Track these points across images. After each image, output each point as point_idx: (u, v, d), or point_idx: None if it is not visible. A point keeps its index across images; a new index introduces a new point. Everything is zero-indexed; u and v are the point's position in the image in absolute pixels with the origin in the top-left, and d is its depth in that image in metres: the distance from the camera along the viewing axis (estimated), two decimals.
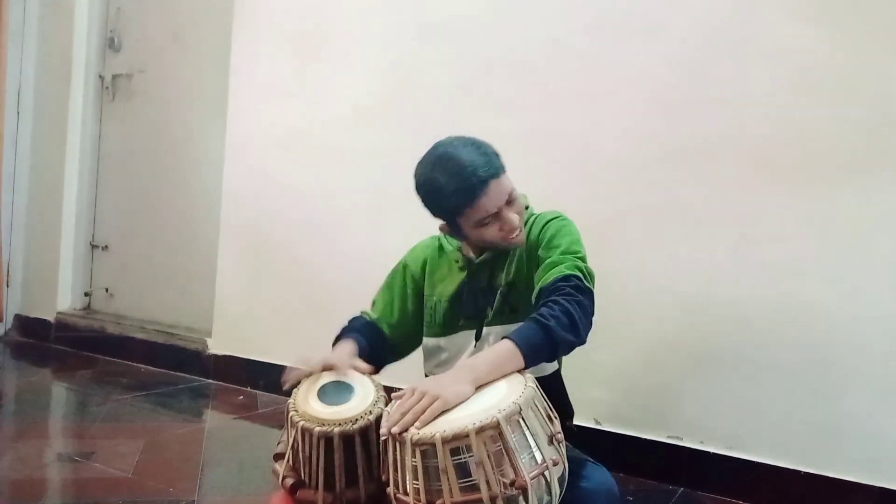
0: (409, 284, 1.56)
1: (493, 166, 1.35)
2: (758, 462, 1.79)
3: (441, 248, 1.56)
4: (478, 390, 1.18)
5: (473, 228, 1.38)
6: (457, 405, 1.15)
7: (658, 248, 1.94)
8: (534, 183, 1.62)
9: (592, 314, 1.32)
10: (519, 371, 1.22)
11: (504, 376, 1.20)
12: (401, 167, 2.35)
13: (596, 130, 2.03)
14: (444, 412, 1.14)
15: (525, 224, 1.45)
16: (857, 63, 1.71)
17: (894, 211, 1.67)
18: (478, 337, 1.46)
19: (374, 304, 1.58)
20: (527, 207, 1.49)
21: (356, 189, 2.49)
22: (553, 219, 1.45)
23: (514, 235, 1.39)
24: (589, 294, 1.32)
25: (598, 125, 2.02)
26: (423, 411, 1.12)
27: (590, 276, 1.35)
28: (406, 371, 1.57)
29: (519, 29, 2.16)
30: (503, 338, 1.25)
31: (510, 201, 1.37)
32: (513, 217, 1.37)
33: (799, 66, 1.77)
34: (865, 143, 1.70)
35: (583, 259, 1.37)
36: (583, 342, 1.30)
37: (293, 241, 2.63)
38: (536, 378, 1.23)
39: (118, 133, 3.39)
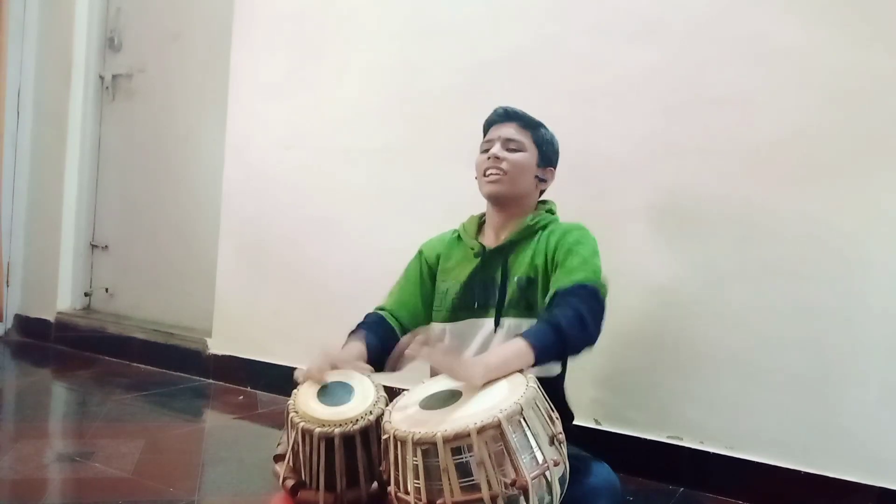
0: (423, 269, 1.62)
1: (519, 114, 1.59)
2: (758, 462, 1.79)
3: (459, 238, 1.62)
4: (484, 387, 1.19)
5: (479, 155, 1.58)
6: (462, 380, 1.18)
7: (658, 248, 1.94)
8: (550, 185, 1.64)
9: (602, 322, 1.36)
10: (521, 371, 1.22)
11: (506, 376, 1.21)
12: (401, 167, 2.39)
13: (596, 130, 2.03)
14: (446, 407, 1.15)
15: (545, 225, 1.53)
16: (857, 63, 1.71)
17: (894, 211, 1.68)
18: (497, 324, 1.49)
19: (390, 294, 1.62)
20: (551, 211, 1.59)
21: (356, 189, 2.49)
22: (574, 228, 1.51)
23: (494, 171, 1.53)
24: (601, 304, 1.36)
25: (598, 125, 2.02)
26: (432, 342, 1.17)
27: (604, 288, 1.40)
28: (406, 371, 1.57)
29: (519, 29, 2.16)
30: (515, 335, 1.28)
31: (510, 148, 1.54)
32: (499, 151, 1.53)
33: (799, 66, 1.77)
34: (865, 143, 1.70)
35: (599, 271, 1.42)
36: (591, 348, 1.34)
37: (293, 240, 2.63)
38: (540, 380, 1.24)
39: (118, 133, 3.39)
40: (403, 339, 1.23)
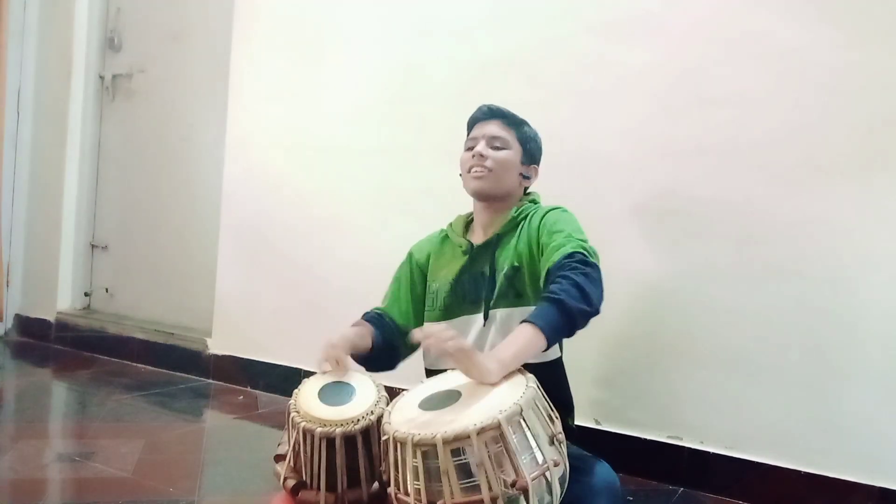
0: (414, 271, 1.63)
1: (503, 112, 1.58)
2: (758, 462, 1.79)
3: (447, 237, 1.63)
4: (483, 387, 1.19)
5: (464, 152, 1.59)
6: (477, 378, 1.18)
7: (658, 247, 1.94)
8: (534, 183, 1.63)
9: (601, 284, 1.35)
10: (520, 371, 1.22)
11: (505, 377, 1.20)
12: (401, 167, 2.39)
13: (596, 130, 2.03)
14: (446, 408, 1.15)
15: (527, 215, 1.53)
16: (857, 63, 1.71)
17: (894, 211, 1.68)
18: (486, 317, 1.49)
19: (384, 297, 1.64)
20: (535, 202, 1.58)
21: (356, 189, 2.49)
22: (554, 209, 1.52)
23: (478, 169, 1.53)
24: (594, 267, 1.35)
25: (598, 125, 2.02)
26: (449, 339, 1.17)
27: (594, 253, 1.39)
28: (406, 371, 1.57)
29: (519, 29, 2.16)
30: (521, 322, 1.27)
31: (495, 146, 1.55)
32: (484, 149, 1.54)
33: (799, 66, 1.77)
34: (865, 143, 1.70)
35: (585, 240, 1.41)
36: (597, 311, 1.32)
37: (293, 240, 2.63)
38: (539, 364, 1.24)
39: (118, 133, 3.39)
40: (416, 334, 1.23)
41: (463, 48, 2.27)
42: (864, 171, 1.70)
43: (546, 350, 1.27)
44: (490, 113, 1.59)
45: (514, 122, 1.59)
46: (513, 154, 1.56)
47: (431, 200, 2.27)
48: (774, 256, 1.79)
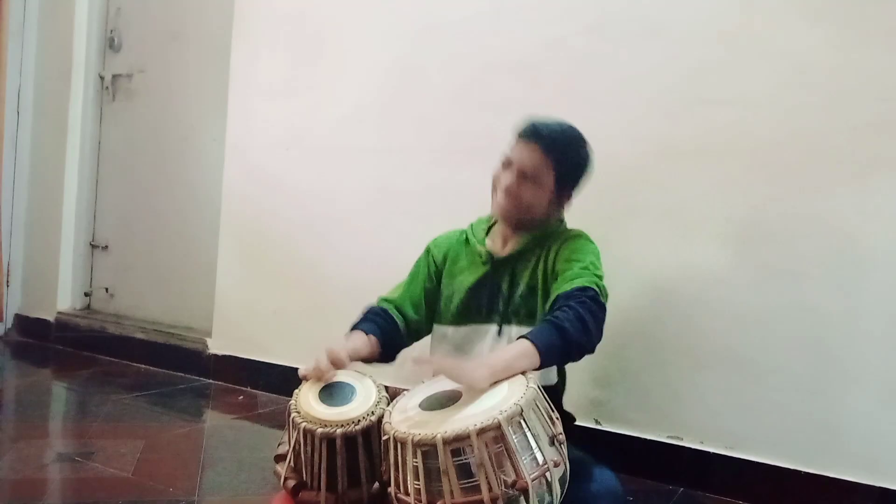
0: (431, 267, 1.63)
1: (545, 136, 1.50)
2: (758, 462, 1.79)
3: (467, 240, 1.62)
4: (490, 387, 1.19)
5: (499, 165, 1.54)
6: (467, 384, 1.18)
7: (658, 248, 1.94)
8: (566, 207, 1.63)
9: (602, 325, 1.36)
10: (522, 373, 1.22)
11: (506, 378, 1.20)
12: (401, 167, 2.39)
13: (596, 130, 2.01)
14: (447, 408, 1.14)
15: (549, 235, 1.53)
16: (856, 63, 1.71)
17: (894, 211, 1.68)
18: (500, 332, 1.50)
19: (397, 287, 1.64)
20: (561, 221, 1.59)
21: (356, 189, 2.49)
22: (576, 236, 1.52)
23: (500, 196, 1.51)
24: (602, 308, 1.37)
25: (598, 125, 2.01)
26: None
27: (605, 293, 1.40)
28: (406, 371, 1.57)
29: (519, 29, 2.16)
30: (519, 337, 1.28)
31: (524, 175, 1.48)
32: (508, 180, 1.48)
33: (799, 66, 1.77)
34: (865, 143, 1.70)
35: (600, 277, 1.42)
36: (592, 350, 1.35)
37: (293, 240, 2.63)
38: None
39: (118, 133, 3.39)
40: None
41: (463, 48, 2.27)
42: (864, 170, 1.70)
43: (537, 369, 1.26)
44: (533, 134, 1.51)
45: (553, 149, 1.50)
46: (541, 192, 1.51)
47: (431, 200, 2.28)
48: (774, 256, 1.79)
